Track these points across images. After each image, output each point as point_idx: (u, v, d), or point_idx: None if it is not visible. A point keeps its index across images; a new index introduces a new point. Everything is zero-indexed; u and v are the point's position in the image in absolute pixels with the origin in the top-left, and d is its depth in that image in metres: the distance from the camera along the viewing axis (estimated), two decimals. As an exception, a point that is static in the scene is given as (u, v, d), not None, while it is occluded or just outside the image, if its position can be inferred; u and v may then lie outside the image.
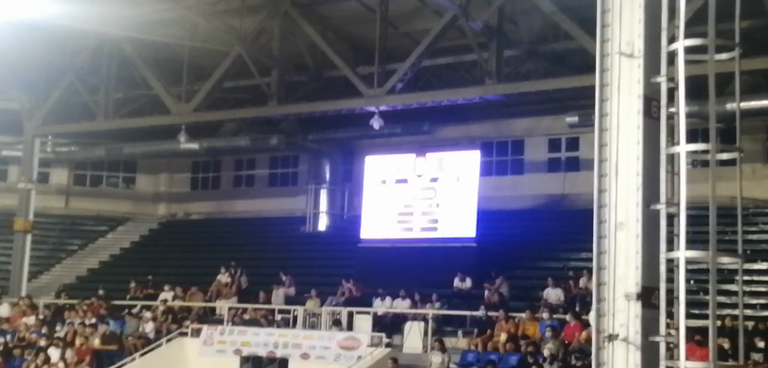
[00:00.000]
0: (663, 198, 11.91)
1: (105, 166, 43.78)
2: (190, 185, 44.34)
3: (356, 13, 32.35)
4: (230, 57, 32.75)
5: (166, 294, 32.71)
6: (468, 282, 29.68)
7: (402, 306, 29.01)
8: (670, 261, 11.80)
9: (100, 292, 33.81)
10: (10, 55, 33.93)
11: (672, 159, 12.02)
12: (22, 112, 37.77)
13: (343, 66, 31.26)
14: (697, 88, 12.28)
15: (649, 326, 11.84)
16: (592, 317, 12.67)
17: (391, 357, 24.94)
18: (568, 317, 24.92)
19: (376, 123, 31.03)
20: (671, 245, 11.84)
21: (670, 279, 11.87)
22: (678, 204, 11.77)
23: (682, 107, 11.90)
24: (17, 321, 32.75)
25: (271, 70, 32.90)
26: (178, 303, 32.11)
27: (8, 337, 31.45)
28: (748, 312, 24.68)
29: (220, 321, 30.20)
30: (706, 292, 12.57)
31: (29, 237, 37.36)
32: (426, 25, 30.89)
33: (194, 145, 36.83)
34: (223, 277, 33.15)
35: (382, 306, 29.27)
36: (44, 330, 30.98)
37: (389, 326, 27.77)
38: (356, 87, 30.87)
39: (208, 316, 31.36)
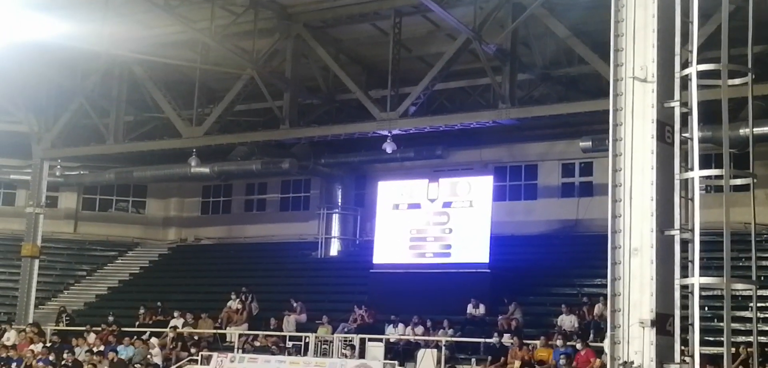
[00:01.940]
0: (677, 223, 12.03)
1: (114, 190, 43.90)
2: (201, 209, 44.42)
3: (369, 35, 32.56)
4: (242, 80, 32.96)
5: (176, 321, 32.66)
6: (481, 309, 29.73)
7: (415, 333, 28.98)
8: (684, 287, 11.90)
9: (110, 318, 33.80)
10: (19, 76, 34.18)
11: (686, 184, 12.15)
12: (31, 135, 37.93)
13: (356, 89, 31.45)
14: (710, 113, 12.45)
15: (663, 353, 11.93)
16: (606, 344, 12.76)
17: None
18: (578, 344, 24.93)
19: (388, 147, 31.17)
20: (685, 271, 11.95)
21: (685, 306, 11.98)
22: (692, 230, 11.89)
23: (695, 132, 12.04)
24: (24, 349, 32.65)
25: (283, 93, 33.06)
26: (187, 330, 32.07)
27: (14, 366, 31.41)
28: (763, 339, 24.68)
29: (230, 349, 30.16)
30: (721, 319, 12.65)
31: (37, 263, 37.43)
32: (439, 48, 31.09)
33: (205, 169, 36.98)
34: (234, 303, 33.13)
35: (394, 332, 29.27)
36: (52, 358, 30.99)
37: (402, 353, 27.80)
38: (369, 110, 31.03)
39: (219, 343, 31.32)
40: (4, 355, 31.72)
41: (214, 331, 32.10)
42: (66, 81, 36.07)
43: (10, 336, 34.07)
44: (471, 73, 32.91)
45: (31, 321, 35.88)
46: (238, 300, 33.19)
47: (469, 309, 29.82)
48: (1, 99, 36.72)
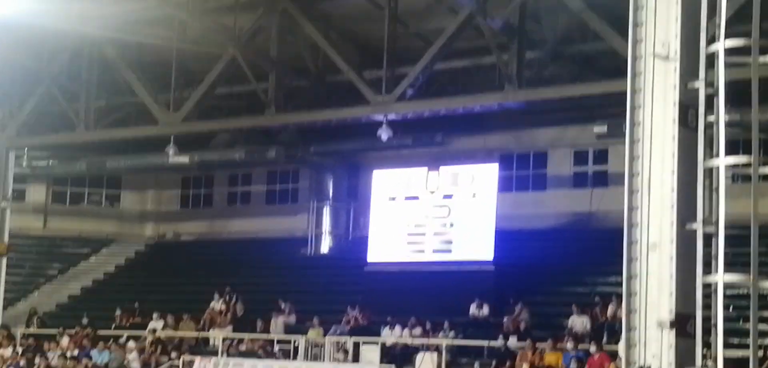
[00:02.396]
0: (700, 216, 11.88)
1: (86, 182, 43.87)
2: (180, 203, 44.41)
3: (362, 10, 32.37)
4: (223, 60, 32.77)
5: (155, 324, 32.84)
6: (485, 310, 29.64)
7: (413, 335, 29.01)
8: (707, 285, 11.78)
9: (84, 321, 33.77)
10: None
11: (710, 173, 11.99)
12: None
13: (348, 70, 31.29)
14: (738, 95, 12.25)
15: (683, 357, 11.82)
16: (621, 347, 12.64)
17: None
18: (593, 348, 24.83)
19: (384, 133, 31.05)
20: (708, 268, 11.82)
21: (707, 306, 11.85)
22: (716, 223, 11.75)
23: (721, 115, 11.88)
24: (-8, 354, 32.80)
25: (269, 74, 32.91)
26: (167, 333, 32.17)
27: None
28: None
29: (214, 353, 30.40)
30: (746, 320, 12.54)
31: (4, 261, 37.34)
32: (439, 24, 30.89)
33: (184, 159, 36.79)
34: (217, 304, 33.21)
35: (391, 335, 29.42)
36: (23, 363, 30.99)
37: (399, 357, 28.01)
38: (362, 93, 30.87)
39: (201, 347, 31.59)
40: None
41: (197, 334, 32.26)
42: (31, 63, 35.82)
43: (-23, 341, 34.09)
44: (474, 52, 32.71)
45: (2, 323, 35.76)
46: (221, 300, 33.29)
47: (472, 309, 29.78)
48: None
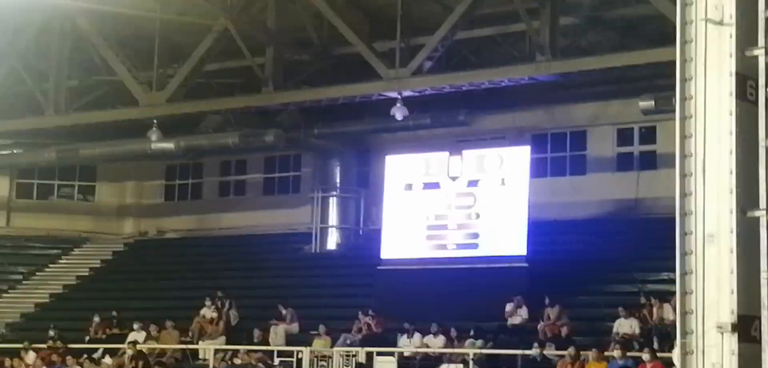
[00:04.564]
0: (763, 202, 11.99)
1: (56, 173, 44.16)
2: (165, 195, 44.92)
3: (372, -28, 32.63)
4: (213, 33, 33.07)
5: (136, 335, 33.19)
6: (523, 312, 29.71)
7: (434, 344, 29.29)
8: (773, 282, 11.87)
9: (51, 333, 34.08)
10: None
11: (774, 153, 12.10)
12: (-48, 107, 38.22)
13: (357, 41, 31.50)
14: (804, 63, 12.35)
15: (748, 365, 11.91)
16: (675, 355, 12.74)
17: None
18: (645, 355, 24.93)
19: (398, 112, 31.29)
20: (775, 262, 11.91)
21: (775, 305, 11.95)
22: (782, 210, 11.85)
23: (786, 87, 11.99)
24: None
25: (265, 48, 33.10)
26: (150, 345, 32.43)
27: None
28: None
29: None
30: (820, 321, 12.63)
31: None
32: (461, -14, 31.05)
33: (169, 145, 37.20)
34: (208, 311, 33.55)
35: (409, 344, 29.58)
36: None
37: None
38: (373, 67, 31.03)
39: (189, 361, 31.91)
40: None
41: (184, 347, 32.42)
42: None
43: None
44: (502, 18, 32.90)
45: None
46: (212, 307, 33.61)
47: (509, 310, 29.79)
48: None
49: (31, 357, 33.20)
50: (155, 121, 35.15)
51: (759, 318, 11.94)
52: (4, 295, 41.45)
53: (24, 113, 38.28)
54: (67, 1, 33.00)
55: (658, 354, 24.83)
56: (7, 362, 33.04)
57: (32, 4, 33.12)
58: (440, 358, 28.34)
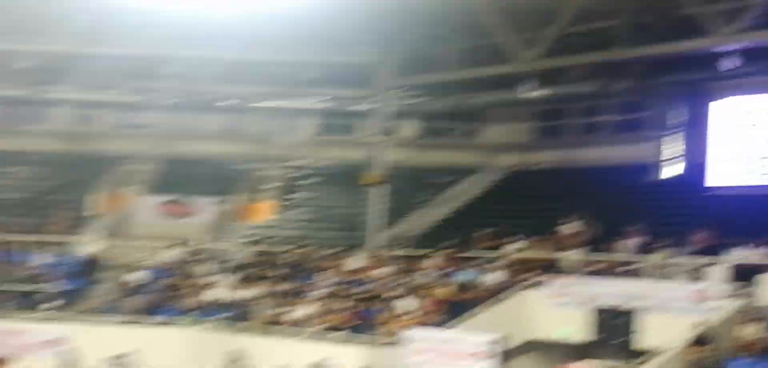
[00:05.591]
0: None
1: (451, 117, 45.83)
2: (535, 134, 45.60)
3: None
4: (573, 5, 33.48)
5: (513, 246, 34.13)
6: None
7: (757, 255, 28.27)
8: None
9: (452, 242, 35.45)
10: (360, 6, 36.29)
11: None
12: (371, 65, 40.52)
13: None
14: None
15: None
16: None
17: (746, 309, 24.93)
18: None
19: (728, 63, 30.62)
20: None
21: None
22: None
23: None
24: (370, 273, 35.44)
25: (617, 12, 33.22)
26: (524, 255, 33.42)
27: (361, 288, 34.11)
28: None
29: (567, 273, 31.21)
30: None
31: (378, 190, 39.90)
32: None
33: (538, 93, 37.87)
34: (569, 228, 34.04)
35: (736, 256, 28.71)
36: (397, 281, 33.32)
37: (743, 277, 27.41)
38: (703, 26, 30.52)
39: (555, 268, 32.25)
40: (351, 279, 34.48)
41: (551, 256, 32.94)
42: (402, 11, 37.72)
43: (357, 261, 37.05)
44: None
45: (375, 245, 38.44)
46: (573, 225, 33.97)
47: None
48: (347, 32, 39.12)
49: (433, 261, 34.73)
50: (528, 75, 35.93)
51: None
52: (412, 214, 42.85)
53: (427, 70, 40.18)
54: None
55: None
56: (418, 265, 34.85)
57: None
58: (763, 267, 27.49)
